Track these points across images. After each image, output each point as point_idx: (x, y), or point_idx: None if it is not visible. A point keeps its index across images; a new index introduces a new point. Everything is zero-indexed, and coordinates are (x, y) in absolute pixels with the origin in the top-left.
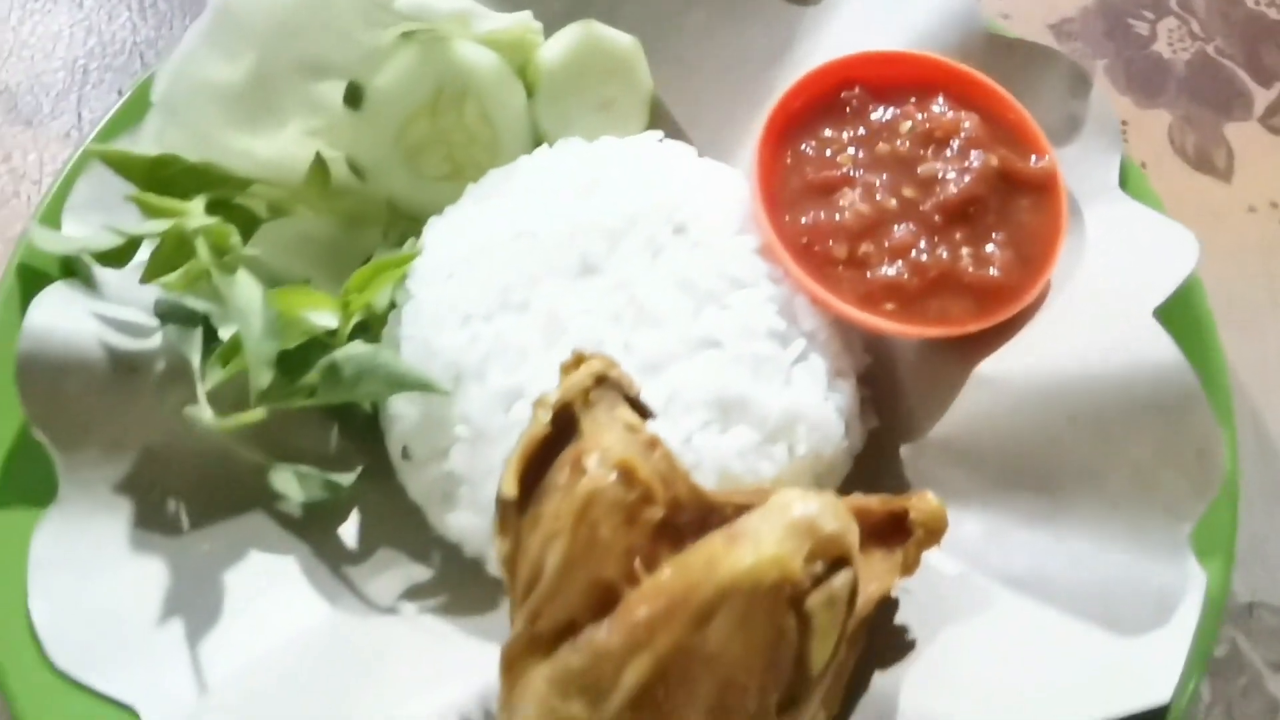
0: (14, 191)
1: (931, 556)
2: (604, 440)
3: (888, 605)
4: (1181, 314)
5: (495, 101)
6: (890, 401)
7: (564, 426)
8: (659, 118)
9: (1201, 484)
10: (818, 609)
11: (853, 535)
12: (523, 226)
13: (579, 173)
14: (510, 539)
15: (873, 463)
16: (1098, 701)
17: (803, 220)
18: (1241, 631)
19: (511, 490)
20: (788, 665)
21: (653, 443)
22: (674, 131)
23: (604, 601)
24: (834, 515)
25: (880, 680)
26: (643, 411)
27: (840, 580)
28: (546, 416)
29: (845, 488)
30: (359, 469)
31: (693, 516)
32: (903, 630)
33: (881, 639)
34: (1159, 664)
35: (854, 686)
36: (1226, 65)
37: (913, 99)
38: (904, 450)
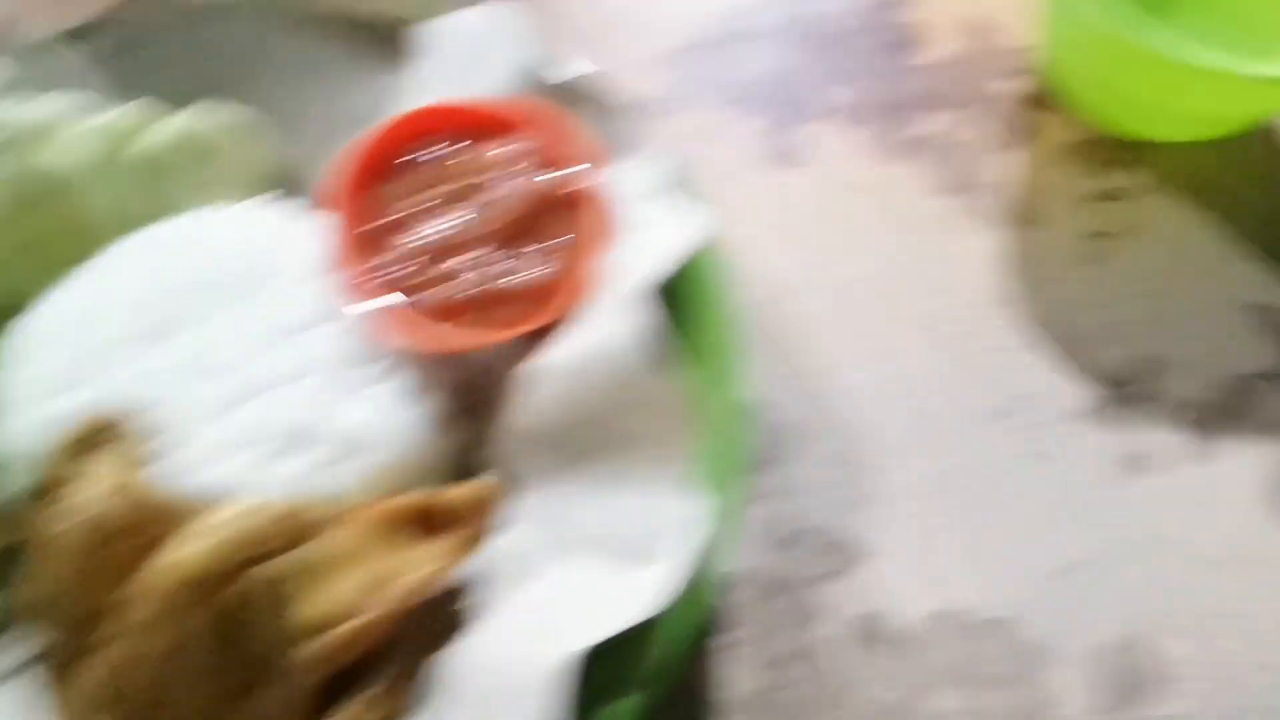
0: None
1: (506, 540)
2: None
3: (455, 588)
4: (697, 282)
5: (85, 196)
6: (481, 409)
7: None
8: (273, 184)
9: (680, 428)
10: (257, 590)
11: (295, 520)
12: (98, 301)
13: (163, 244)
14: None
15: (469, 467)
16: (608, 623)
17: (377, 258)
18: (789, 555)
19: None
20: (228, 651)
21: (124, 487)
22: (288, 195)
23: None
24: (265, 507)
25: (460, 645)
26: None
27: (276, 564)
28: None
29: None
30: None
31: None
32: (472, 602)
33: (456, 615)
34: (653, 585)
35: (428, 661)
36: (807, 72)
37: (477, 140)
38: (491, 448)
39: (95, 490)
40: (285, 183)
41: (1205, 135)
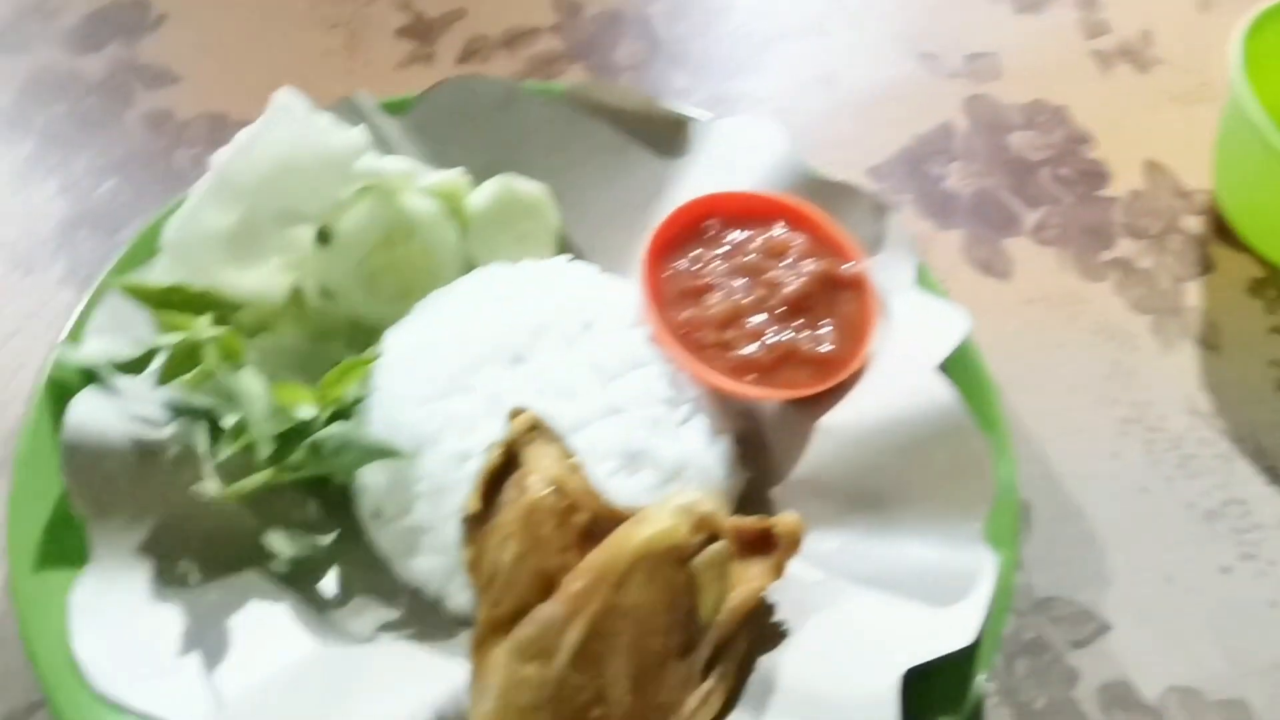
0: (16, 329)
1: (799, 568)
2: (541, 465)
3: (765, 606)
4: (963, 371)
5: (434, 237)
6: (761, 456)
7: (510, 459)
8: (566, 246)
9: (982, 490)
10: (701, 568)
11: (723, 517)
12: (463, 329)
13: (505, 287)
14: (474, 548)
15: (749, 506)
16: (918, 653)
17: (681, 316)
18: (1044, 618)
19: (475, 506)
20: (683, 614)
21: (576, 467)
22: (578, 256)
23: (547, 586)
24: (708, 502)
25: (763, 663)
26: (566, 451)
27: (716, 547)
28: (498, 451)
29: None
30: (335, 532)
31: (608, 524)
32: (778, 624)
33: (763, 633)
34: (964, 621)
35: (745, 671)
36: (1001, 194)
37: (758, 224)
38: (773, 492)
39: (538, 480)
40: (570, 250)
41: None
